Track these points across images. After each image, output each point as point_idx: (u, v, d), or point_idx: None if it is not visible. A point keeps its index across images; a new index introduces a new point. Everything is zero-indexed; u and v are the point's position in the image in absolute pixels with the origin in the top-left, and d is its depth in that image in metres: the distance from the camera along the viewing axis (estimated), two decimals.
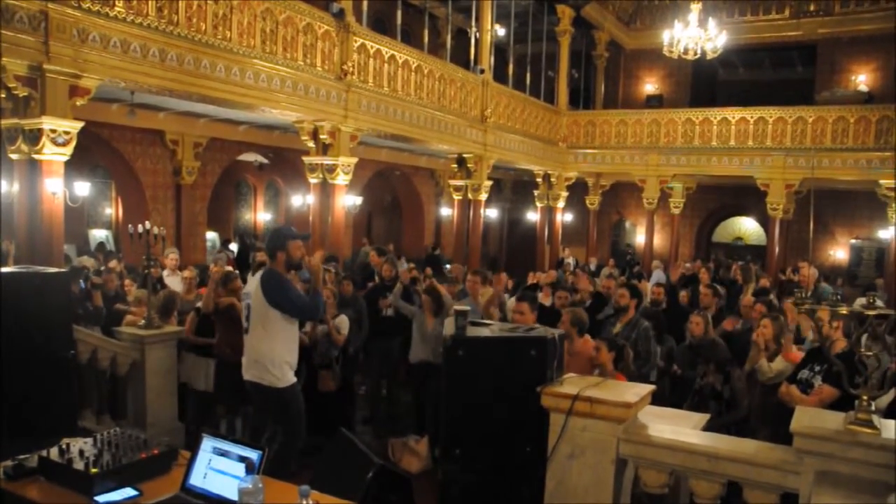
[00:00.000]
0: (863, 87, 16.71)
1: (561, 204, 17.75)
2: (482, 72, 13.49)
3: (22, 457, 2.88)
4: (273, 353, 4.49)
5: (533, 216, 18.90)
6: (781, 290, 10.95)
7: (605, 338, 5.02)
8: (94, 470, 2.71)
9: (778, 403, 4.60)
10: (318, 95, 9.57)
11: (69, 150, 6.87)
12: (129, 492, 2.72)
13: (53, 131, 6.67)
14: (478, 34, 13.62)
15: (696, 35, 12.46)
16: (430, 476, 5.44)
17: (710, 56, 12.84)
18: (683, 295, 8.46)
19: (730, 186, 18.35)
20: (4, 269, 6.00)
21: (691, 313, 6.17)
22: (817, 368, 4.45)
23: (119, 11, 7.06)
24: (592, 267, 15.02)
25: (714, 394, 5.03)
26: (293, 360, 4.59)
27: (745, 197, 17.91)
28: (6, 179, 8.94)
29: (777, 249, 15.79)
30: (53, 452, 2.87)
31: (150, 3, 7.38)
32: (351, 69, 9.99)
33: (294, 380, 4.59)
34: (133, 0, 7.21)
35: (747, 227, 20.48)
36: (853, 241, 17.87)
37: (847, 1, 16.84)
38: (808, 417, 2.95)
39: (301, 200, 16.08)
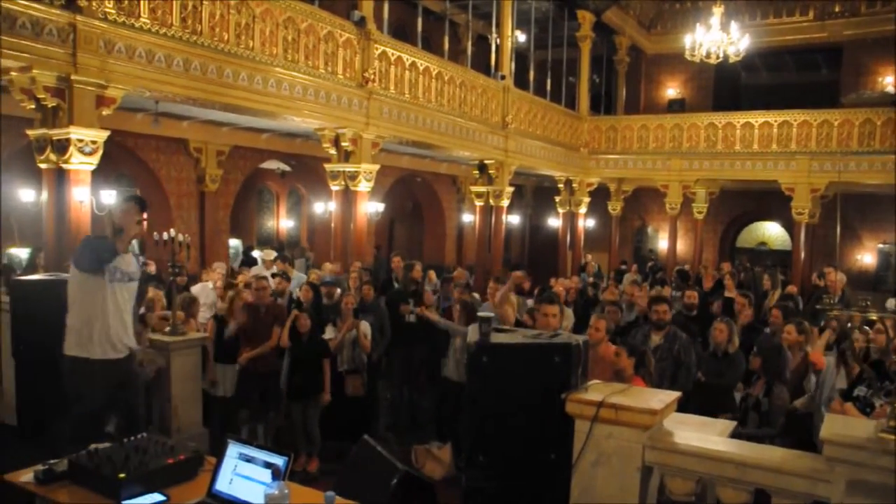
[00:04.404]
0: (890, 89, 16.45)
1: (583, 210, 17.68)
2: (503, 78, 13.49)
3: (52, 461, 2.92)
4: (68, 317, 4.25)
5: (555, 222, 18.84)
6: (809, 297, 10.79)
7: (626, 342, 5.00)
8: (121, 475, 2.74)
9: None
10: (339, 103, 9.63)
11: (96, 159, 6.97)
12: (156, 497, 2.75)
13: (81, 141, 6.78)
14: (498, 40, 13.63)
15: (718, 39, 12.35)
16: (453, 483, 5.43)
17: (732, 60, 12.73)
18: (716, 304, 8.39)
19: (754, 191, 18.16)
20: (33, 277, 6.10)
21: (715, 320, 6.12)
22: (877, 385, 4.18)
23: (144, 22, 7.16)
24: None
25: (755, 404, 4.95)
26: (74, 329, 4.19)
27: (770, 201, 17.70)
28: (35, 188, 9.08)
29: (803, 255, 15.59)
30: (82, 457, 2.91)
31: (174, 13, 7.48)
32: (372, 76, 10.04)
33: (73, 354, 4.18)
34: (158, 11, 7.32)
35: (772, 231, 20.24)
36: (881, 245, 17.58)
37: (873, 2, 16.60)
38: (839, 425, 2.90)
39: (323, 207, 16.17)
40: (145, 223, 4.26)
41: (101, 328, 4.17)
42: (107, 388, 4.21)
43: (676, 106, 18.96)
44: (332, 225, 10.86)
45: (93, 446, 3.03)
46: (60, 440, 4.02)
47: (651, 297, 6.72)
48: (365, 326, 6.70)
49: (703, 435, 3.30)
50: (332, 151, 10.19)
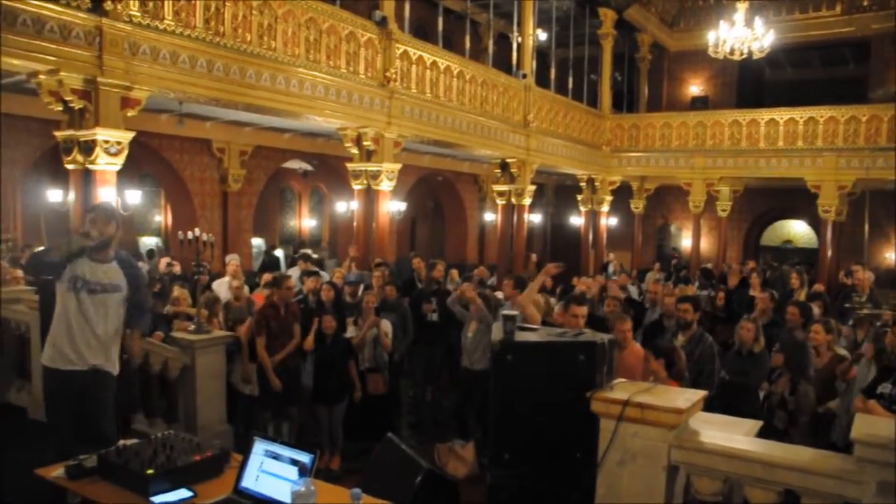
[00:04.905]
0: None
1: (605, 208, 17.58)
2: (524, 76, 13.45)
3: (82, 457, 2.97)
4: None
5: (577, 220, 18.76)
6: (836, 295, 10.63)
7: (652, 345, 4.95)
8: (149, 471, 2.78)
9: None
10: (361, 102, 9.66)
11: (121, 159, 7.05)
12: (183, 493, 2.77)
13: (106, 142, 6.86)
14: (519, 39, 13.59)
15: (742, 35, 12.21)
16: (476, 482, 5.43)
17: (756, 56, 12.58)
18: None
19: (779, 189, 17.93)
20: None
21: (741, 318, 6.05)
22: None
23: (168, 24, 7.24)
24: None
25: (781, 402, 4.88)
26: (52, 338, 4.01)
27: (796, 199, 17.47)
28: (63, 189, 9.21)
29: (829, 253, 15.35)
30: (111, 453, 2.95)
31: (197, 15, 7.55)
32: (394, 76, 10.06)
33: (44, 363, 4.02)
34: (181, 13, 7.39)
35: (797, 229, 19.98)
36: None
37: None
38: (869, 425, 2.86)
39: (345, 207, 16.25)
40: (107, 232, 3.90)
41: (53, 336, 3.99)
42: (62, 398, 3.96)
43: (699, 103, 18.79)
44: (355, 224, 10.89)
45: (121, 442, 3.08)
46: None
47: (678, 297, 6.68)
48: (386, 325, 6.71)
49: (730, 434, 3.27)
50: (354, 151, 10.22)
